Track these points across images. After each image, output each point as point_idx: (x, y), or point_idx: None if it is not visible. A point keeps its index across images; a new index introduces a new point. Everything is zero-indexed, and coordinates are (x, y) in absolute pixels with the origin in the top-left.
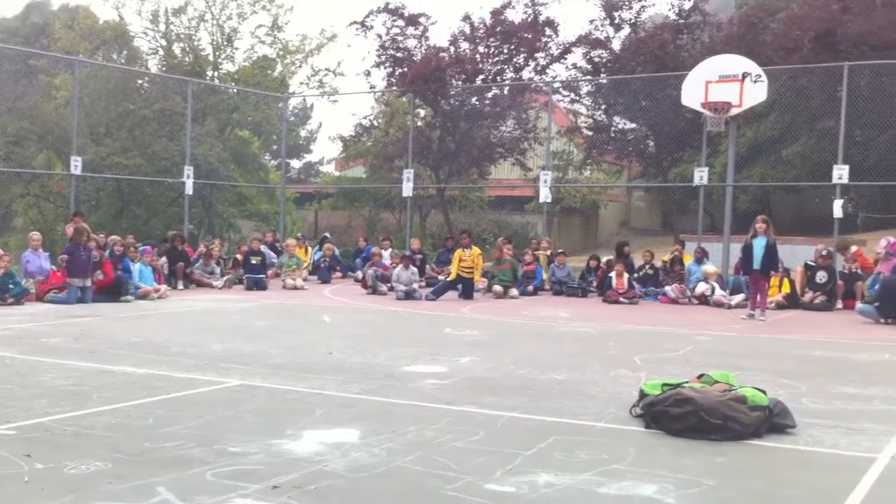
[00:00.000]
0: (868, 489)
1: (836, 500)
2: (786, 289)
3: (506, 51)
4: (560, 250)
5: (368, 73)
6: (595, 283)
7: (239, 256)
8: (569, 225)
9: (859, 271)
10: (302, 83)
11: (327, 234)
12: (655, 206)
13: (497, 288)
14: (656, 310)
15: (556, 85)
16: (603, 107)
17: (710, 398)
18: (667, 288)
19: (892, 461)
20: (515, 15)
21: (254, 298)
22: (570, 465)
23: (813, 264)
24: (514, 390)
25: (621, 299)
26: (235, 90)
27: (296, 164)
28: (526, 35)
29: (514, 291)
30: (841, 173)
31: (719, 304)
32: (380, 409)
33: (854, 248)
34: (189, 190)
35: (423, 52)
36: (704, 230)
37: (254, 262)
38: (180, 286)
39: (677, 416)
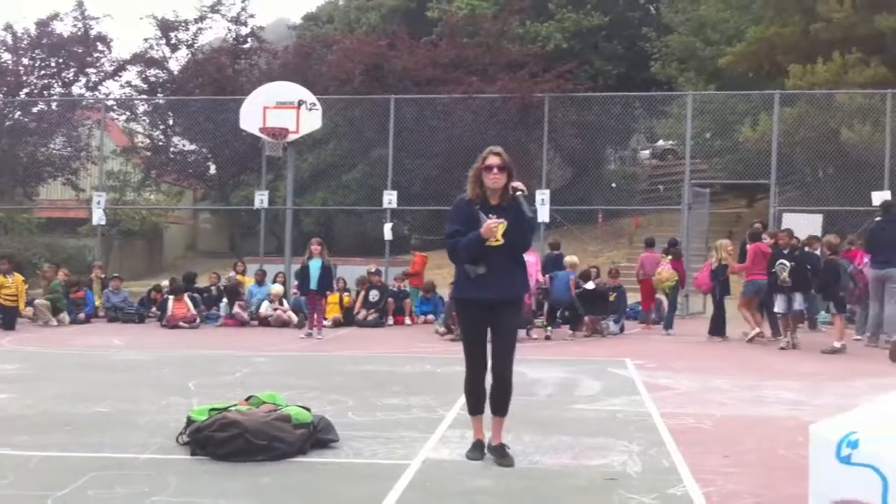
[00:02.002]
0: (400, 494)
1: None
2: (336, 310)
3: (54, 64)
4: (115, 274)
5: None
6: (154, 308)
7: None
8: (131, 248)
9: (407, 289)
10: None
11: None
12: (223, 229)
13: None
14: (217, 333)
15: (109, 102)
16: (161, 127)
17: (255, 420)
18: (224, 309)
19: (423, 465)
20: (64, 27)
21: None
22: (106, 501)
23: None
24: (53, 427)
25: (181, 323)
26: None
27: None
28: (76, 49)
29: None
30: (391, 198)
31: (281, 325)
32: None
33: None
34: None
35: None
36: (273, 251)
37: None
38: None
39: (223, 440)
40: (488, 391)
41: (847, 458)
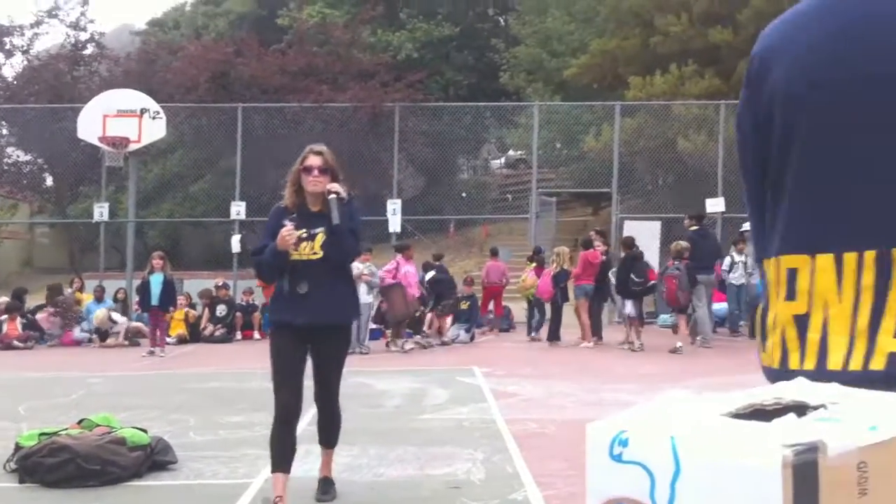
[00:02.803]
0: None
1: None
2: (181, 326)
3: None
4: None
5: None
6: None
7: None
8: None
9: (256, 302)
10: None
11: None
12: (62, 244)
13: None
14: (53, 353)
15: None
16: None
17: (87, 444)
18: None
19: (266, 484)
20: None
21: None
22: None
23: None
24: None
25: (15, 343)
26: None
27: None
28: None
29: None
30: (239, 209)
31: (122, 344)
32: None
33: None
34: None
35: None
36: (116, 266)
37: None
38: None
39: (53, 466)
40: (317, 423)
41: (618, 457)
